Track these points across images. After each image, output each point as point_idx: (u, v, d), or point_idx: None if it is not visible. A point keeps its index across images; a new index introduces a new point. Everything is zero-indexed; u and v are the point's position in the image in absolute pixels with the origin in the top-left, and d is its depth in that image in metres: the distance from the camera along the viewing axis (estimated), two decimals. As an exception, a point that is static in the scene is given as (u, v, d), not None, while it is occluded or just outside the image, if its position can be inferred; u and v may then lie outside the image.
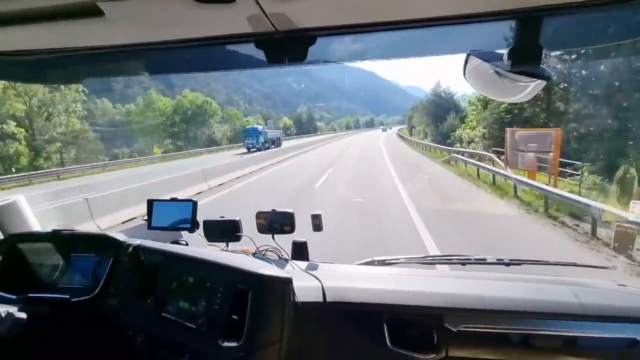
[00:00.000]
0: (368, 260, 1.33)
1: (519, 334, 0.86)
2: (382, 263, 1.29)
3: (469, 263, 1.19)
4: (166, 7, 0.81)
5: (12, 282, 1.14)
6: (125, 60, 1.22)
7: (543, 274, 1.08)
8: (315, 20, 0.93)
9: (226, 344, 0.86)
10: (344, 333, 0.98)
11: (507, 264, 1.14)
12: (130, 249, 1.06)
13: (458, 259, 1.21)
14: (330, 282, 1.04)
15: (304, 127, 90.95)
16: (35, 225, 1.37)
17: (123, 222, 6.40)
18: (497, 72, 1.01)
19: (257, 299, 0.88)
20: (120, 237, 1.18)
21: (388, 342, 0.92)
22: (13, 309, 0.88)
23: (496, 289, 0.98)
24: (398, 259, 1.29)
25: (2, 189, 15.32)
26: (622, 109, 11.80)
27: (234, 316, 0.88)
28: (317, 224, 1.38)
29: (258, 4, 0.81)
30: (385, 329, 0.93)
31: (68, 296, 1.11)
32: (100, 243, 1.19)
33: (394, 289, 1.01)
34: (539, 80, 0.96)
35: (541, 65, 0.94)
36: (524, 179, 8.53)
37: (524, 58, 0.90)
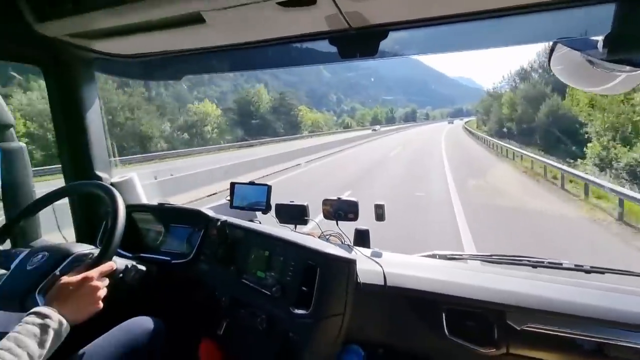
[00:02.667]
0: (430, 253, 1.33)
1: (590, 340, 0.81)
2: (444, 257, 1.29)
3: (541, 266, 1.12)
4: (256, 12, 0.93)
5: (129, 243, 1.42)
6: (218, 59, 1.40)
7: (630, 286, 0.97)
8: (388, 16, 0.96)
9: (296, 311, 0.97)
10: (402, 316, 1.02)
11: (587, 271, 1.05)
12: (219, 223, 1.24)
13: (529, 261, 1.15)
14: (391, 269, 1.08)
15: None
16: (144, 198, 1.67)
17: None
18: (590, 61, 0.93)
19: (324, 274, 0.97)
20: (210, 213, 1.38)
21: (446, 330, 0.95)
22: (135, 263, 1.11)
23: (569, 293, 0.92)
24: (461, 255, 1.27)
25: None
26: None
27: (303, 288, 0.99)
28: (380, 213, 1.42)
29: (335, 4, 0.88)
30: (444, 318, 0.95)
31: (169, 258, 1.34)
32: (194, 217, 1.41)
33: (454, 281, 1.02)
34: (642, 69, 0.86)
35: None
36: None
37: (625, 44, 0.82)
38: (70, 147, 1.46)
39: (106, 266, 0.91)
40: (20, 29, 1.10)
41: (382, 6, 0.90)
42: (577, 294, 0.92)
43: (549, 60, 1.01)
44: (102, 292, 0.87)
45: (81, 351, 0.96)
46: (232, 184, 1.53)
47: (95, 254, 0.95)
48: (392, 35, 1.05)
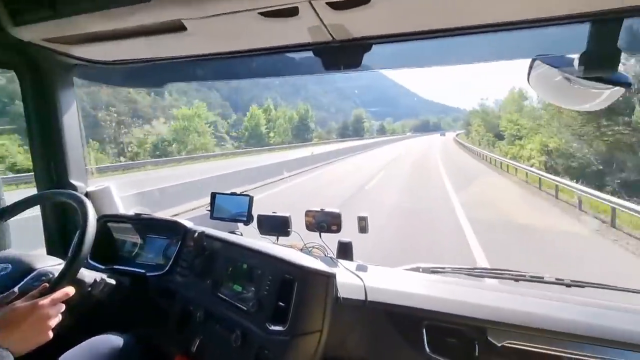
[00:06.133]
0: (413, 266, 1.31)
1: (570, 358, 0.79)
2: (428, 270, 1.27)
3: (523, 280, 1.12)
4: (238, 22, 0.92)
5: (102, 255, 1.36)
6: (200, 68, 1.38)
7: (610, 300, 0.97)
8: (370, 30, 0.97)
9: (272, 327, 0.93)
10: (383, 332, 0.99)
11: (568, 285, 1.05)
12: (196, 234, 1.20)
13: (511, 275, 1.14)
14: (372, 283, 1.06)
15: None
16: (121, 208, 1.61)
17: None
18: (567, 78, 0.95)
19: (301, 289, 0.94)
20: (188, 224, 1.33)
21: (426, 347, 0.92)
22: (105, 276, 1.06)
23: (552, 308, 0.91)
24: (444, 268, 1.26)
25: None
26: None
27: (280, 303, 0.95)
28: (363, 225, 1.41)
29: (318, 16, 0.88)
30: (425, 334, 0.93)
31: (144, 271, 1.29)
32: (172, 227, 1.36)
33: (436, 297, 1.00)
34: (617, 87, 0.88)
35: (619, 71, 0.86)
36: None
37: (599, 63, 0.84)
38: (44, 155, 1.41)
39: (60, 293, 0.85)
40: None
41: (364, 20, 0.90)
42: (557, 309, 0.91)
43: (528, 77, 1.03)
44: (54, 321, 0.81)
45: None
46: (213, 194, 1.49)
47: (60, 270, 0.90)
48: (376, 49, 1.05)
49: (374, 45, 1.04)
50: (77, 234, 0.91)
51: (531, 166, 15.24)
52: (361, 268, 1.22)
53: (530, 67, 1.01)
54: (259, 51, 1.14)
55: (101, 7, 0.91)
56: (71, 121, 1.44)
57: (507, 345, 0.85)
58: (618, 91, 0.90)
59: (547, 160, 18.02)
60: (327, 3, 0.80)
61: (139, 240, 1.43)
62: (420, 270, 1.28)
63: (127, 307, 1.22)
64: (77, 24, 1.00)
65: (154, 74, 1.48)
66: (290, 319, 0.92)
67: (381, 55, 1.09)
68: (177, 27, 0.97)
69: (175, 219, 1.40)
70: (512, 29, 0.90)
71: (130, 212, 1.54)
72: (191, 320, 1.14)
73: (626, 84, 0.87)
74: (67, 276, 0.88)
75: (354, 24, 0.93)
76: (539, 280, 1.10)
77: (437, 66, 1.10)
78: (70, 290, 0.88)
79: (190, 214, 1.70)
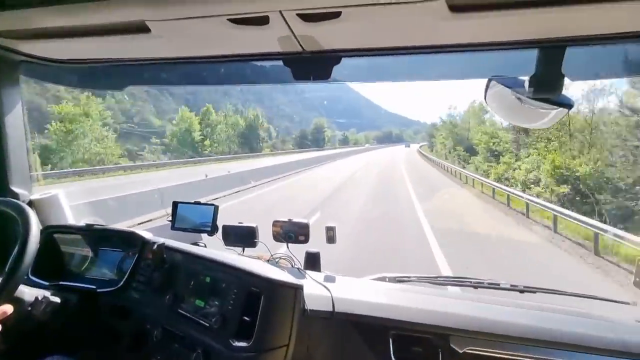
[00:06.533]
0: (380, 276, 1.33)
1: None
2: (393, 280, 1.30)
3: (482, 287, 1.18)
4: (205, 27, 0.90)
5: (47, 270, 1.24)
6: (165, 71, 1.33)
7: (558, 304, 1.05)
8: (339, 43, 0.99)
9: (236, 343, 0.89)
10: (350, 344, 0.99)
11: (521, 291, 1.12)
12: (155, 246, 1.13)
13: (470, 282, 1.20)
14: (340, 294, 1.06)
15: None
16: (71, 218, 1.48)
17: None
18: (518, 98, 1.03)
19: (268, 302, 0.91)
20: (146, 235, 1.25)
21: (392, 357, 0.93)
22: (48, 294, 0.95)
23: (507, 314, 0.96)
24: (409, 277, 1.29)
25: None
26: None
27: (245, 317, 0.91)
28: (330, 236, 1.41)
29: (289, 27, 0.88)
30: (391, 344, 0.94)
31: (94, 287, 1.18)
32: (128, 239, 1.27)
33: (402, 306, 1.02)
34: (561, 108, 0.97)
35: (563, 93, 0.95)
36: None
37: (545, 86, 0.92)
38: None
39: None
40: None
41: (334, 33, 0.92)
42: (512, 314, 0.96)
43: (485, 95, 1.10)
44: None
45: None
46: (175, 204, 1.42)
47: None
48: (345, 61, 1.07)
49: (343, 58, 1.06)
50: (16, 247, 0.82)
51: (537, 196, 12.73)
52: (329, 279, 1.21)
53: (487, 87, 1.09)
54: (227, 58, 1.12)
55: (55, 2, 0.84)
56: (15, 122, 1.31)
57: (468, 351, 0.88)
58: (562, 112, 0.99)
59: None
60: (298, 14, 0.81)
61: (90, 254, 1.31)
62: (387, 279, 1.30)
63: (73, 327, 1.11)
64: (27, 18, 0.92)
65: (113, 75, 1.40)
66: (256, 334, 0.88)
67: (350, 68, 1.11)
68: (140, 28, 0.93)
69: (132, 229, 1.31)
70: (471, 50, 0.96)
71: (82, 222, 1.42)
72: (147, 340, 1.06)
73: (569, 106, 0.97)
74: (4, 294, 0.79)
75: (325, 36, 0.94)
76: (495, 287, 1.17)
77: (402, 81, 1.15)
78: (7, 308, 0.79)
79: (149, 225, 1.59)
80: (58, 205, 1.46)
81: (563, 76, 0.89)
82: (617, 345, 0.82)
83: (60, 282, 1.19)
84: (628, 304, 1.10)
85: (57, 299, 0.97)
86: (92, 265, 1.30)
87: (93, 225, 1.34)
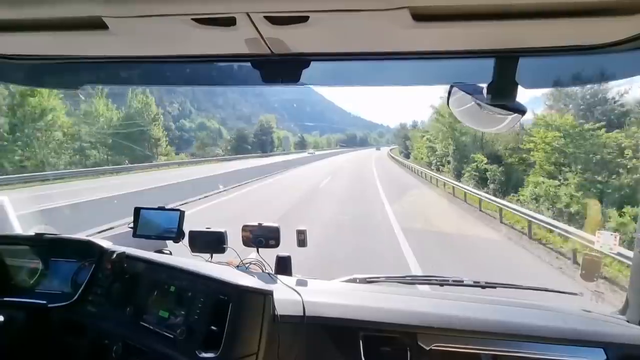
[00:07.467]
0: (350, 277, 1.35)
1: (489, 354, 0.88)
2: (364, 281, 1.31)
3: (447, 284, 1.23)
4: (167, 25, 0.86)
5: None
6: (124, 71, 1.26)
7: (515, 298, 1.12)
8: (308, 47, 0.99)
9: (203, 354, 0.86)
10: (321, 347, 0.99)
11: (483, 287, 1.18)
12: (114, 256, 1.06)
13: (437, 280, 1.25)
14: (310, 297, 1.05)
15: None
16: (18, 227, 1.36)
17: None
18: (478, 104, 1.09)
19: (236, 310, 0.89)
20: (105, 243, 1.17)
21: (363, 358, 0.94)
22: None
23: (470, 309, 1.01)
24: (379, 278, 1.32)
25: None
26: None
27: (212, 327, 0.88)
28: (301, 239, 1.40)
29: (257, 29, 0.87)
30: (361, 345, 0.95)
31: (45, 301, 1.09)
32: (83, 248, 1.18)
33: (372, 306, 1.03)
34: (515, 114, 1.04)
35: (517, 101, 1.02)
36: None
37: (501, 93, 0.98)
38: None
39: None
40: None
41: (302, 37, 0.92)
42: (475, 310, 1.01)
43: (448, 101, 1.16)
44: None
45: None
46: (137, 209, 1.34)
47: None
48: (314, 65, 1.08)
49: (312, 62, 1.06)
50: None
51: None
52: (300, 283, 1.20)
53: (449, 93, 1.14)
54: (193, 58, 1.09)
55: None
56: None
57: (434, 348, 0.91)
58: (517, 117, 1.07)
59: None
60: (265, 17, 0.80)
61: (39, 266, 1.21)
62: (357, 281, 1.32)
63: (20, 347, 1.01)
64: None
65: (68, 73, 1.30)
66: (224, 344, 0.86)
67: (318, 72, 1.12)
68: (96, 25, 0.87)
69: (88, 238, 1.22)
70: (433, 58, 1.00)
71: (30, 231, 1.31)
72: (106, 357, 0.99)
73: (522, 112, 1.04)
74: None
75: (293, 39, 0.94)
76: (459, 284, 1.22)
77: (368, 86, 1.18)
78: None
79: (110, 233, 1.50)
80: (3, 213, 1.33)
81: (517, 84, 0.95)
82: (569, 334, 0.89)
83: (5, 298, 1.08)
84: (576, 294, 1.19)
85: (0, 317, 0.88)
86: (42, 279, 1.20)
87: (43, 234, 1.24)
